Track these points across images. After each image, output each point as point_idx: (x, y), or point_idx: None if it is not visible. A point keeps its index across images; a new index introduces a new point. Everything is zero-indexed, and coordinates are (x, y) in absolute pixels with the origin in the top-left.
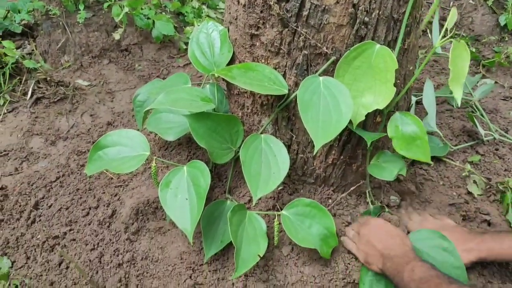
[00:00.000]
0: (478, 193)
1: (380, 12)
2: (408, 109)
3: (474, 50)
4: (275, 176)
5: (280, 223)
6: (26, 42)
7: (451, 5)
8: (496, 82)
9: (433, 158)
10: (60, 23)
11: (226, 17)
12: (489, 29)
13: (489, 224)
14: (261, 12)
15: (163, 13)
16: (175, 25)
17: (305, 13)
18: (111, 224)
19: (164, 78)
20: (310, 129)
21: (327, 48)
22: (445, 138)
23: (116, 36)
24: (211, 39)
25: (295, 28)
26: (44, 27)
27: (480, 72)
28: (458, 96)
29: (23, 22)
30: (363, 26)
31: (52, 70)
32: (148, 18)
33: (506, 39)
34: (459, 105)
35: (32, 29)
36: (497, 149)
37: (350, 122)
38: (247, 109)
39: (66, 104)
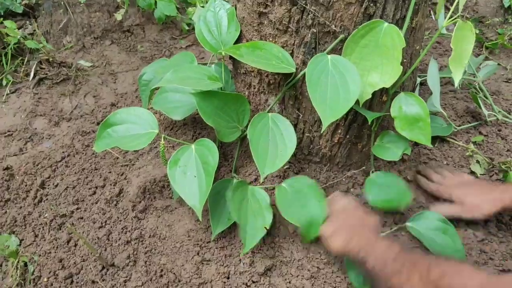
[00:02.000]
0: (481, 172)
1: None
2: (413, 90)
3: (477, 31)
4: (282, 154)
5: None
6: (28, 22)
7: None
8: (499, 64)
9: (437, 138)
10: (62, 3)
11: None
12: (493, 11)
13: None
14: None
15: None
16: (178, 6)
17: None
18: (118, 203)
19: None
20: (318, 107)
21: (335, 26)
22: (449, 119)
23: (118, 16)
24: (218, 17)
25: (304, 6)
26: (46, 7)
27: (483, 53)
28: (457, 77)
29: (24, 2)
30: (372, 4)
31: (54, 50)
32: None
33: (510, 20)
34: (455, 86)
35: (33, 9)
36: (499, 130)
37: (357, 101)
38: (254, 88)
39: (69, 85)
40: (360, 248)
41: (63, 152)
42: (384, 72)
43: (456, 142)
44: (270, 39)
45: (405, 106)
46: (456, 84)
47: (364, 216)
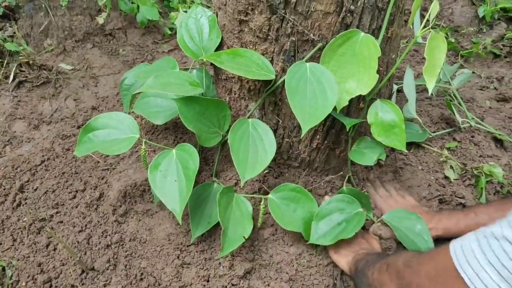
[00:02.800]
0: (454, 177)
1: (365, 1)
2: (390, 97)
3: (453, 40)
4: (262, 159)
5: (266, 206)
6: (8, 24)
7: None
8: (473, 72)
9: (413, 143)
10: (43, 5)
11: (215, 3)
12: (468, 21)
13: (463, 206)
14: None
15: None
16: (160, 10)
17: (293, 0)
18: (98, 207)
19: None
20: (298, 114)
21: (314, 35)
22: (424, 125)
23: (100, 20)
24: (200, 24)
25: (283, 15)
26: (26, 9)
27: (458, 62)
28: (430, 85)
29: (4, 4)
30: (349, 14)
31: (34, 53)
32: (133, 3)
33: (484, 30)
34: (429, 93)
35: (14, 11)
36: (473, 136)
37: (334, 107)
38: (235, 94)
39: (49, 88)
40: None
41: (42, 155)
42: (361, 80)
43: (431, 148)
44: (251, 46)
45: (381, 113)
46: (430, 91)
47: None
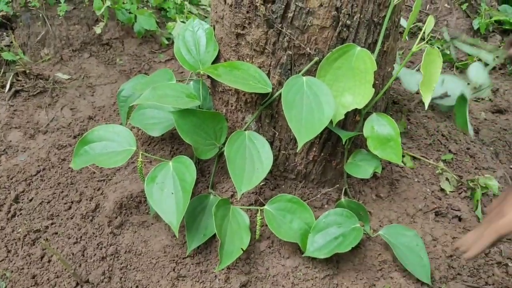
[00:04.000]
0: (450, 189)
1: (361, 16)
2: (386, 109)
3: (448, 52)
4: (258, 172)
5: (263, 218)
6: (5, 33)
7: (427, 8)
8: (468, 84)
9: (409, 156)
10: (40, 15)
11: (212, 16)
12: (463, 33)
13: (459, 219)
14: (247, 12)
15: (145, 8)
16: (157, 20)
17: (290, 14)
18: (94, 218)
19: (145, 73)
20: (294, 127)
21: (310, 49)
22: (420, 137)
23: (97, 30)
24: (197, 37)
25: (280, 29)
26: (24, 19)
27: (454, 73)
28: (427, 100)
29: (1, 14)
30: (345, 29)
31: (31, 62)
32: (130, 13)
33: (479, 42)
34: (426, 108)
35: (11, 20)
36: (468, 148)
37: (330, 120)
38: (231, 106)
39: (46, 98)
40: None
41: (38, 165)
42: (357, 93)
43: (427, 160)
44: (248, 60)
45: (377, 126)
46: (427, 106)
47: None
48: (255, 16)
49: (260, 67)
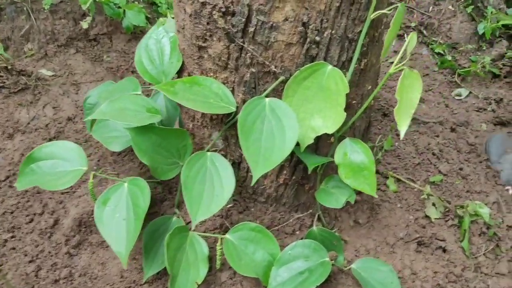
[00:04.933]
0: (436, 216)
1: (332, 32)
2: (367, 129)
3: (450, 58)
4: (218, 198)
5: (222, 248)
6: None
7: (430, 10)
8: (470, 92)
9: (394, 178)
10: (25, 8)
11: (176, 25)
12: (467, 37)
13: (444, 250)
14: (208, 24)
15: (135, 2)
16: (148, 16)
17: (251, 29)
18: (52, 235)
19: (133, 72)
20: (250, 157)
21: (275, 67)
22: (408, 156)
23: (84, 25)
24: (161, 45)
25: (241, 44)
26: (7, 12)
27: (456, 80)
28: (402, 128)
29: None
30: (314, 46)
31: (14, 58)
32: (119, 7)
33: (484, 48)
34: (401, 137)
35: None
36: (461, 169)
37: (298, 144)
38: (197, 121)
39: (28, 95)
40: None
41: (9, 170)
42: (328, 117)
43: (412, 184)
44: (211, 74)
45: (351, 153)
46: (402, 135)
47: None
48: (216, 29)
49: (224, 83)
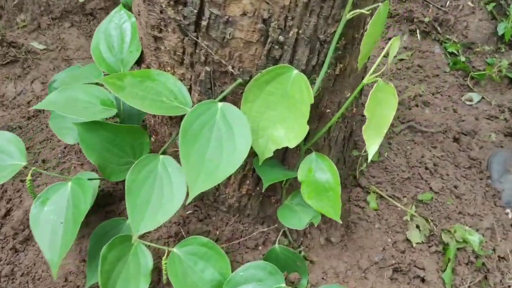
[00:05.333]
0: (418, 241)
1: (300, 31)
2: (350, 137)
3: (464, 59)
4: (166, 207)
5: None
6: None
7: (447, 5)
8: (483, 98)
9: (376, 194)
10: None
11: (133, 10)
12: (485, 38)
13: (422, 280)
14: (161, 12)
15: None
16: None
17: (204, 22)
18: (3, 226)
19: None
20: (190, 170)
21: (233, 68)
22: (397, 169)
23: None
24: (122, 31)
25: (195, 38)
26: None
27: (468, 84)
28: (371, 150)
29: None
30: (277, 46)
31: (5, 29)
32: None
33: (503, 50)
34: (369, 160)
35: None
36: (456, 187)
37: (256, 157)
38: (158, 118)
39: (16, 68)
40: None
41: None
42: (290, 128)
43: (395, 202)
44: (169, 69)
45: (316, 170)
46: (370, 157)
47: None
48: (169, 19)
49: (181, 80)
